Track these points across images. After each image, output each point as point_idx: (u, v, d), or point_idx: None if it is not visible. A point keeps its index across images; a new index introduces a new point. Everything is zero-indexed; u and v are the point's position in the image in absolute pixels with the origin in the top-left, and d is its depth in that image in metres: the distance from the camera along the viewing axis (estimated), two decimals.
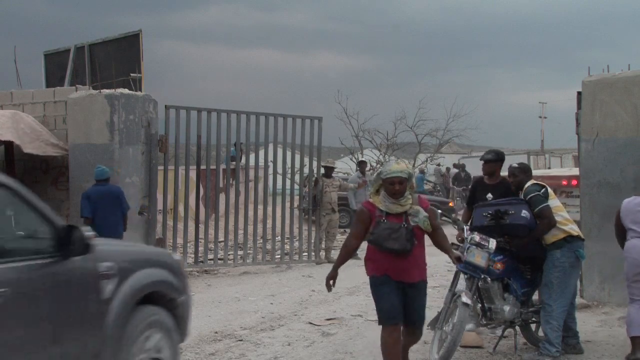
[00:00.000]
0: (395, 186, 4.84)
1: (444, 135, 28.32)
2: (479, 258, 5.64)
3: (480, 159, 6.97)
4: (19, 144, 9.65)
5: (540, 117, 45.66)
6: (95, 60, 12.69)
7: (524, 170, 6.23)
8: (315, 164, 12.57)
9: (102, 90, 10.24)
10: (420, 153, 28.18)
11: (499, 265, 5.85)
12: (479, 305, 5.98)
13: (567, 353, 5.97)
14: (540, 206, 5.81)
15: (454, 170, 25.86)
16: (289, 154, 12.16)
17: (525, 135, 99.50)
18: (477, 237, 5.71)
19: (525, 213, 5.85)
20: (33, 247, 4.02)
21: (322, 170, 12.73)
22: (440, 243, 5.12)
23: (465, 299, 5.46)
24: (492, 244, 5.68)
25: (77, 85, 11.22)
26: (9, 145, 10.14)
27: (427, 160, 27.18)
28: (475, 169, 22.79)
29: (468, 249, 5.68)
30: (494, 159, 6.83)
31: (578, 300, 7.73)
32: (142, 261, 4.88)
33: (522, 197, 6.00)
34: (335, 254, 10.16)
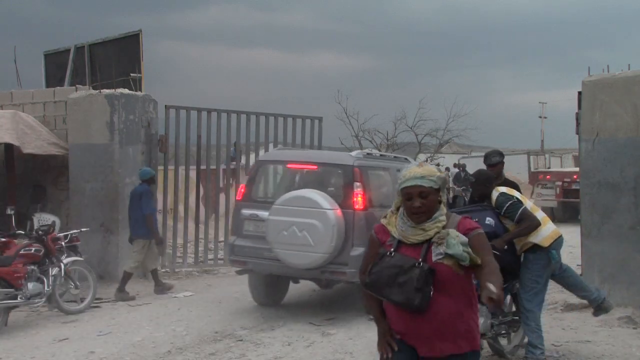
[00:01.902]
0: (413, 202, 3.09)
1: (444, 135, 28.41)
2: None
3: (487, 164, 6.82)
4: (18, 145, 9.66)
5: (540, 117, 45.81)
6: (95, 60, 12.70)
7: (482, 182, 5.92)
8: None
9: (102, 90, 10.24)
10: (420, 153, 28.22)
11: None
12: None
13: (598, 311, 6.23)
14: (519, 211, 5.64)
15: (454, 170, 25.86)
16: None
17: (525, 135, 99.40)
18: None
19: (489, 220, 5.67)
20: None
21: None
22: (482, 279, 3.03)
23: None
24: None
25: (77, 85, 11.23)
26: (8, 145, 10.15)
27: (427, 160, 27.19)
28: (475, 169, 22.81)
29: None
30: (501, 161, 6.78)
31: (578, 300, 7.74)
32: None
33: (497, 209, 5.74)
34: None
